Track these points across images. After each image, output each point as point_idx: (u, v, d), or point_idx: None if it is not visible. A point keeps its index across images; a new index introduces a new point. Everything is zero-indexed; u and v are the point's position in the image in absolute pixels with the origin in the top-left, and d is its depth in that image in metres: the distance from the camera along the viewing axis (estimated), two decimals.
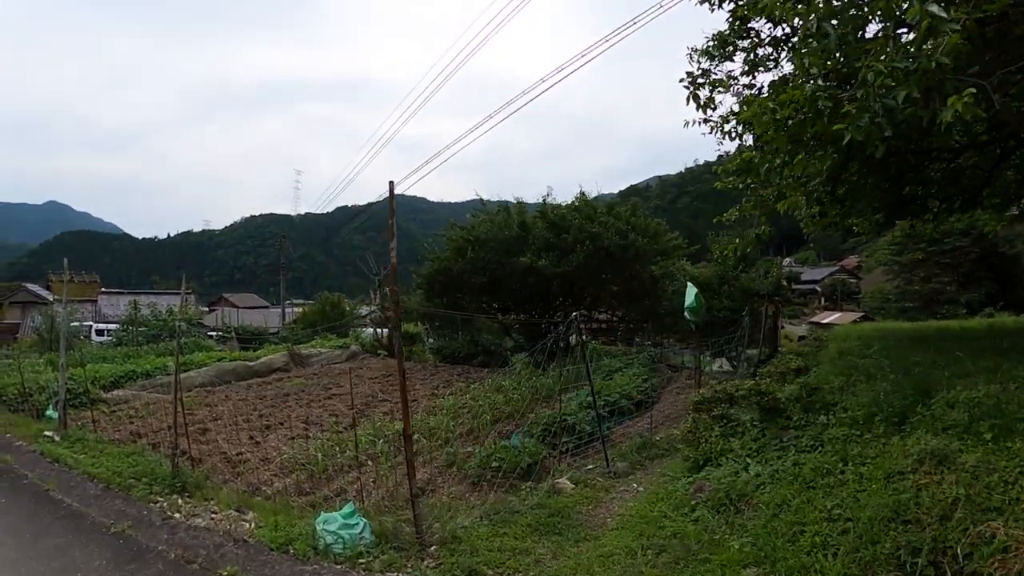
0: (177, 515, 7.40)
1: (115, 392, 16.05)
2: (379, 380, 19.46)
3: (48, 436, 10.85)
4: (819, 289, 69.76)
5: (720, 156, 11.12)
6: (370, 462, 10.41)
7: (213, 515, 7.40)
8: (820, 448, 6.86)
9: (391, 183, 7.01)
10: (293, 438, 11.96)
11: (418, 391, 17.37)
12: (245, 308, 64.42)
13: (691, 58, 9.52)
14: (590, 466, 10.26)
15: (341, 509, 6.75)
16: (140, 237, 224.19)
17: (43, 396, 13.81)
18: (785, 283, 30.21)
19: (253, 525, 7.04)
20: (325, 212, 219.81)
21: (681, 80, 9.04)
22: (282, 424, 13.22)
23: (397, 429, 10.73)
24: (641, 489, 8.77)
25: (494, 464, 9.68)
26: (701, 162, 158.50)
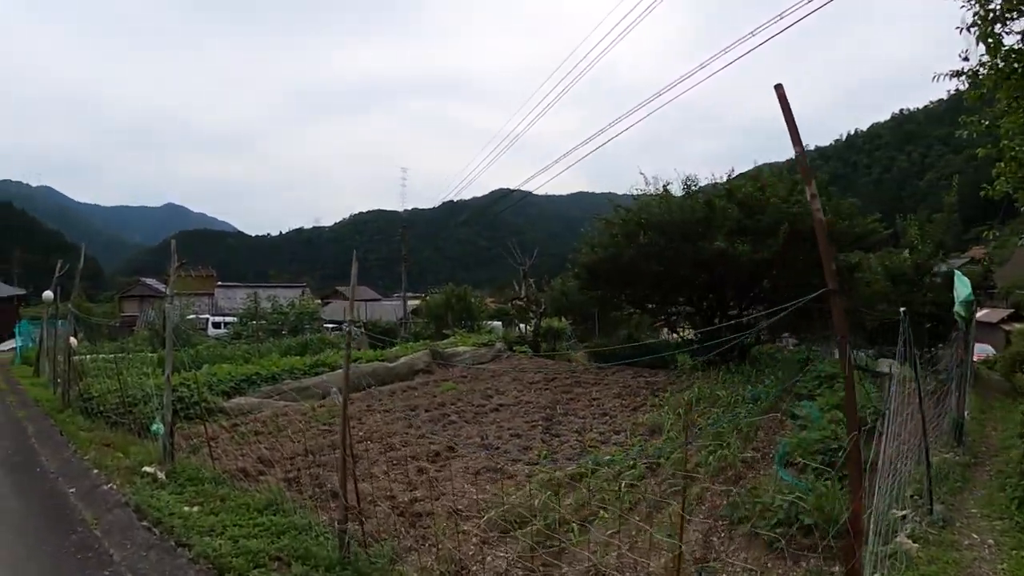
0: None
1: (236, 400, 13.13)
2: (544, 385, 15.95)
3: (149, 473, 7.72)
4: None
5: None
6: (603, 512, 6.88)
7: None
8: None
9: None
10: (479, 472, 8.54)
11: (604, 403, 13.76)
12: (358, 301, 62.92)
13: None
14: (899, 512, 6.83)
15: None
16: (253, 235, 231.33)
17: (148, 407, 10.67)
18: None
19: None
20: (431, 207, 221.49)
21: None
22: (453, 449, 9.81)
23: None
24: (991, 542, 6.59)
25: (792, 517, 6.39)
26: (812, 147, 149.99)
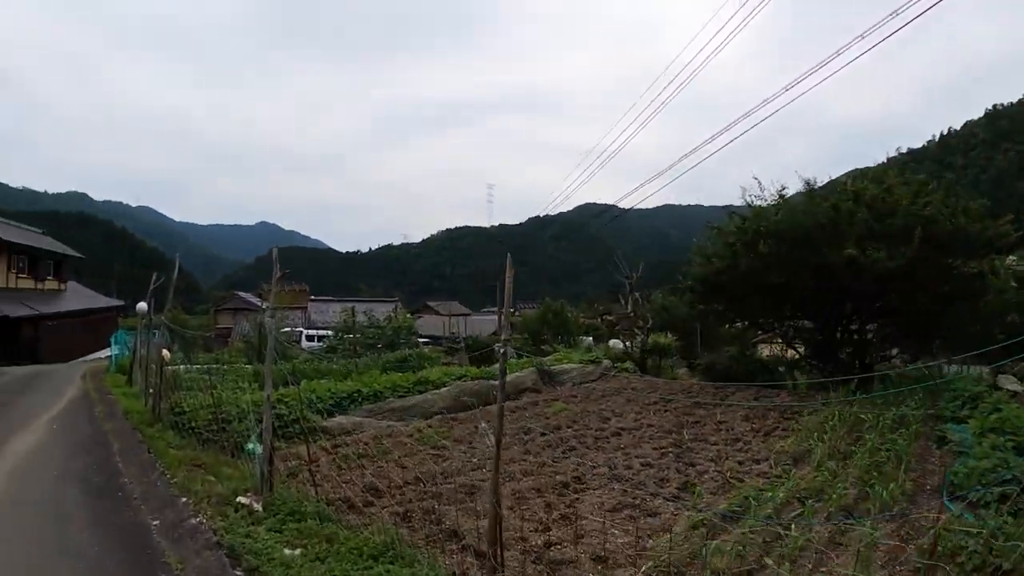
0: None
1: (336, 419, 12.48)
2: (663, 407, 14.79)
3: (243, 504, 6.82)
4: None
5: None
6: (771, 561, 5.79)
7: None
8: None
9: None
10: (615, 508, 7.55)
11: (733, 427, 12.55)
12: (449, 316, 63.07)
13: None
14: None
15: None
16: (344, 251, 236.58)
17: (243, 425, 10.04)
18: None
19: None
20: (519, 223, 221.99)
21: None
22: (580, 480, 8.83)
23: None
24: None
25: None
26: (904, 149, 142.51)
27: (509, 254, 5.26)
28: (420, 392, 14.55)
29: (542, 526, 6.90)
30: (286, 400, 11.43)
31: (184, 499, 7.12)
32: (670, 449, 10.55)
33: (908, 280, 16.67)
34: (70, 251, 47.02)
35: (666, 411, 14.13)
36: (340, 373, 18.06)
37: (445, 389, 14.81)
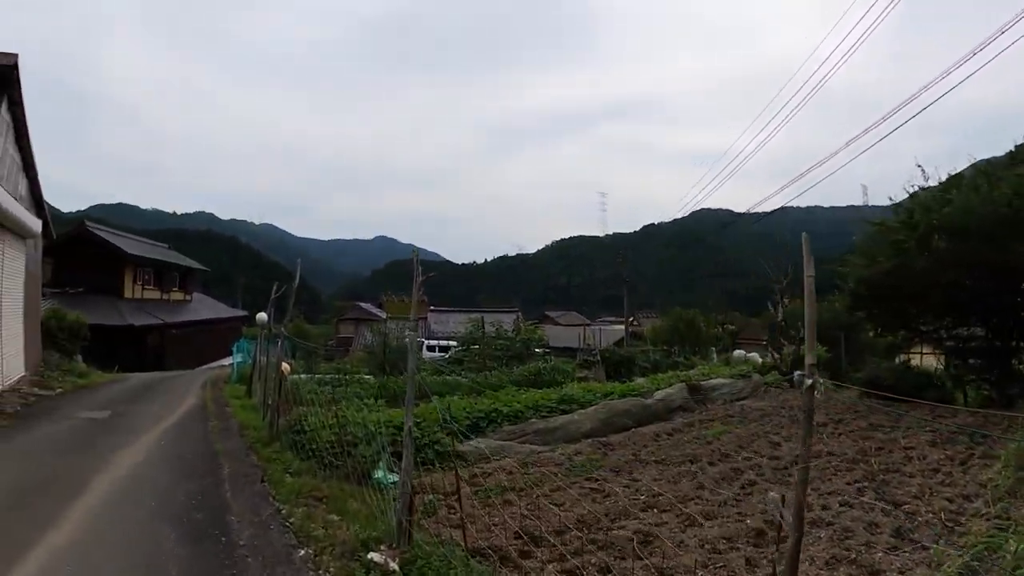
0: None
1: (473, 442, 11.37)
2: (833, 429, 13.11)
3: (376, 564, 5.60)
4: None
5: None
6: None
7: None
8: None
9: None
10: (829, 564, 6.29)
11: (924, 454, 10.92)
12: (566, 326, 62.17)
13: None
14: None
15: None
16: (459, 263, 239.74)
17: (370, 448, 9.05)
18: None
19: None
20: (632, 231, 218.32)
21: None
22: (778, 528, 7.51)
23: None
24: None
25: None
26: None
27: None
28: (564, 412, 13.51)
29: None
30: (419, 421, 10.72)
31: (302, 551, 6.06)
32: (864, 483, 9.15)
33: None
34: (193, 263, 48.94)
35: (840, 434, 12.58)
36: (468, 387, 17.30)
37: (592, 409, 13.65)
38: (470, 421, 12.43)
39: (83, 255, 34.42)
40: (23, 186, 17.34)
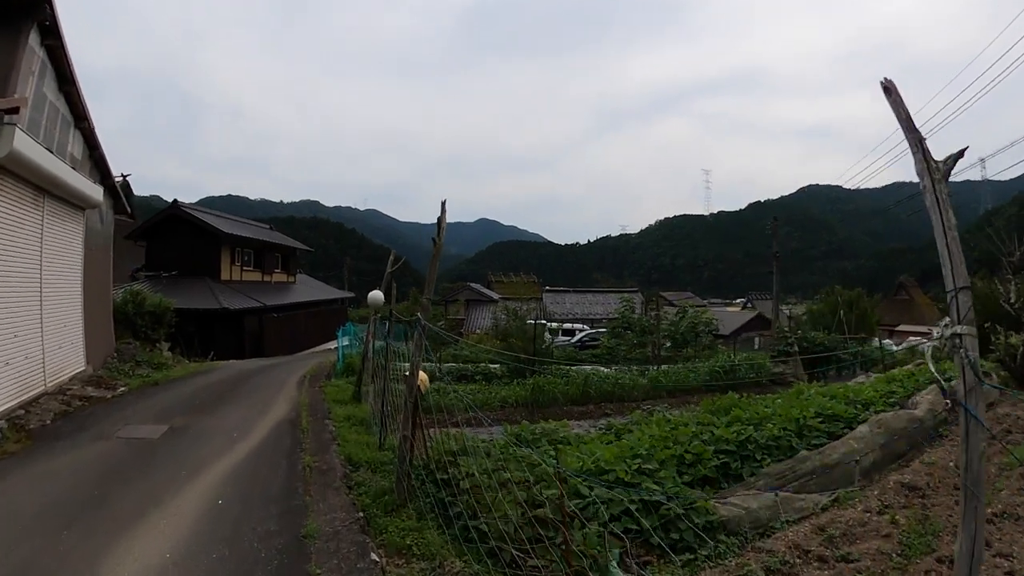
0: None
1: (731, 501, 6.61)
2: None
3: None
4: None
5: None
6: None
7: None
8: None
9: None
10: None
11: None
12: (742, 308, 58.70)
13: None
14: None
15: None
16: (563, 244, 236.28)
17: (591, 529, 5.11)
18: None
19: None
20: (738, 209, 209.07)
21: None
22: None
23: None
24: None
25: None
26: None
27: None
28: (829, 434, 8.78)
29: None
30: (625, 461, 6.58)
31: None
32: None
33: None
34: (296, 243, 45.99)
35: None
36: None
37: (861, 429, 8.86)
38: (717, 461, 7.71)
39: (177, 236, 32.20)
40: (77, 146, 13.97)
